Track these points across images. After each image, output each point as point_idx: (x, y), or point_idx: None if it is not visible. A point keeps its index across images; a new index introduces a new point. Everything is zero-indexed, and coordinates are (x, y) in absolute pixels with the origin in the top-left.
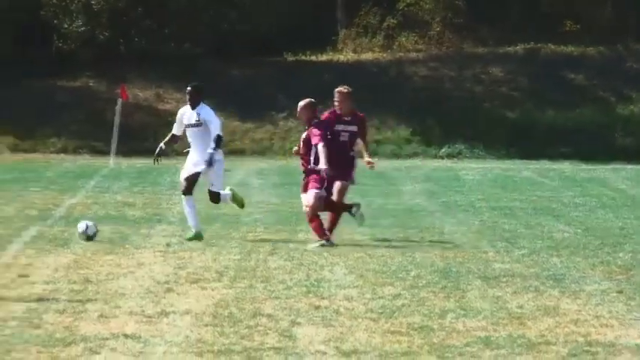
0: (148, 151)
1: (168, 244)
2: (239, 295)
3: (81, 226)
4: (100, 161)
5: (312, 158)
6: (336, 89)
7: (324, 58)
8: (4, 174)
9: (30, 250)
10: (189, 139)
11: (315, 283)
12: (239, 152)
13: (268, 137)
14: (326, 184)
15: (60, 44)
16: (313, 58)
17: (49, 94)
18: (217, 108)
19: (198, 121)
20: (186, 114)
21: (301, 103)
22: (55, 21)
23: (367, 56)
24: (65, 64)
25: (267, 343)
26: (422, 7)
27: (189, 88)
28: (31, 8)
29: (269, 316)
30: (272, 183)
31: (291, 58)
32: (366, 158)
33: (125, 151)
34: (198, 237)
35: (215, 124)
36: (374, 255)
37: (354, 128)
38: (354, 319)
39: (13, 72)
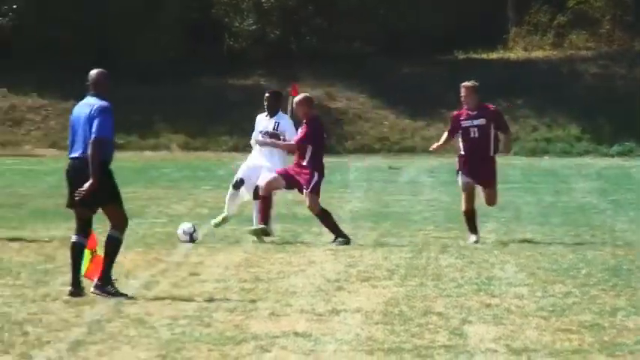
0: None
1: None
2: (410, 293)
3: (187, 228)
4: None
5: (307, 156)
6: (462, 84)
7: (494, 56)
8: (176, 172)
9: (201, 249)
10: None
11: (486, 281)
12: (410, 150)
13: (439, 135)
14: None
15: (231, 42)
16: (484, 56)
17: (219, 92)
18: (387, 106)
19: (276, 130)
20: (262, 121)
21: (297, 99)
22: (226, 19)
23: (538, 54)
24: (236, 63)
25: (437, 342)
26: (592, 5)
27: (267, 95)
28: (203, 7)
29: (440, 314)
30: (443, 181)
31: (461, 56)
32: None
33: None
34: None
35: (292, 135)
36: (545, 253)
37: (481, 122)
38: (524, 317)
39: (184, 70)
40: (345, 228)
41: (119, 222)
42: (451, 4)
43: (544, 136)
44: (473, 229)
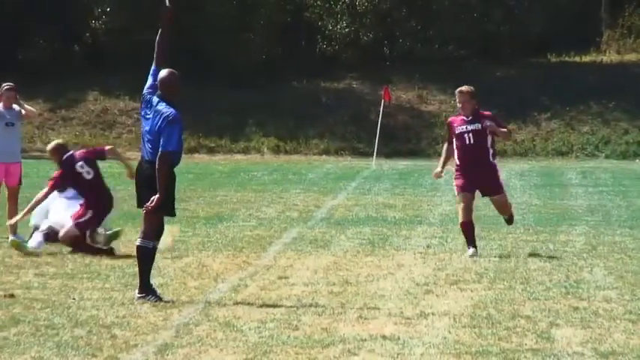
0: (410, 153)
1: (428, 246)
2: (498, 297)
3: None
4: (362, 163)
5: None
6: (458, 89)
7: (587, 59)
8: (266, 175)
9: (290, 252)
10: None
11: (575, 285)
12: (501, 153)
13: (530, 138)
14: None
15: (324, 46)
16: (577, 59)
17: (312, 95)
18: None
19: None
20: None
21: (49, 147)
22: (320, 22)
23: (631, 57)
24: (328, 66)
25: (525, 345)
26: None
27: None
28: (296, 10)
29: (527, 317)
30: (533, 184)
31: (554, 59)
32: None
33: (387, 153)
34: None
35: None
36: (634, 256)
37: (476, 127)
38: (612, 320)
39: (276, 73)
40: (434, 231)
41: (151, 231)
42: (545, 7)
43: (636, 140)
44: (471, 241)
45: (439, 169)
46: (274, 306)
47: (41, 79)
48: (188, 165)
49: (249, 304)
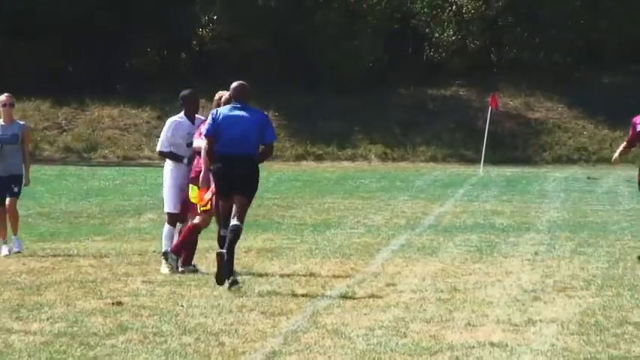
0: (517, 160)
1: (536, 253)
2: (606, 304)
3: None
4: (469, 170)
5: None
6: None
7: None
8: (374, 182)
9: (398, 259)
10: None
11: None
12: (608, 160)
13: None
14: None
15: (431, 53)
16: None
17: (419, 102)
18: (586, 116)
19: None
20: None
21: None
22: (427, 30)
23: None
24: (435, 73)
25: (633, 352)
26: None
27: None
28: (403, 17)
29: (636, 324)
30: None
31: None
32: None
33: (494, 160)
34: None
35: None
36: None
37: None
38: None
39: (383, 81)
40: (541, 238)
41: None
42: None
43: None
44: None
45: (616, 155)
46: (382, 313)
47: (149, 87)
48: (296, 172)
49: (357, 311)
